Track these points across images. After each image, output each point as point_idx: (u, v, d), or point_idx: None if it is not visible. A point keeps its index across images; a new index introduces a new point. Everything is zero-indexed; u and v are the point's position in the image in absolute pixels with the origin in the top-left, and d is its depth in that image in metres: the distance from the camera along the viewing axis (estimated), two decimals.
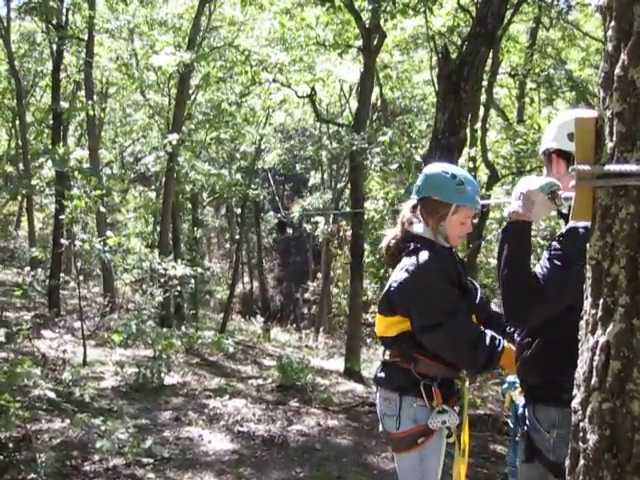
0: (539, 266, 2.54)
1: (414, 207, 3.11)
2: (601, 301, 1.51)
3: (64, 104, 14.79)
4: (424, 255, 2.91)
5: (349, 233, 16.43)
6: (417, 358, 2.94)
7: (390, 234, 3.15)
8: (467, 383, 3.19)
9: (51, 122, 15.66)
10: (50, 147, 13.48)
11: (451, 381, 3.06)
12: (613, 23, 1.49)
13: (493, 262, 15.31)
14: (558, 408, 2.53)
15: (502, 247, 2.60)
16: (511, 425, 2.96)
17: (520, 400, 2.83)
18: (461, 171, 3.09)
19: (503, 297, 2.54)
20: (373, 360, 13.84)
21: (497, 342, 2.89)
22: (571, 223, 2.53)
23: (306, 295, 28.50)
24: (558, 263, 2.51)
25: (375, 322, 3.16)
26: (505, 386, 3.07)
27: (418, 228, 3.04)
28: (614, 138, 1.49)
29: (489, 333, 2.91)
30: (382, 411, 3.09)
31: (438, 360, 2.93)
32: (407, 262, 2.95)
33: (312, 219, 25.55)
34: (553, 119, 2.93)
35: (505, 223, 2.65)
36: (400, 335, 2.98)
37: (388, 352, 3.12)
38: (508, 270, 2.54)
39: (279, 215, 27.61)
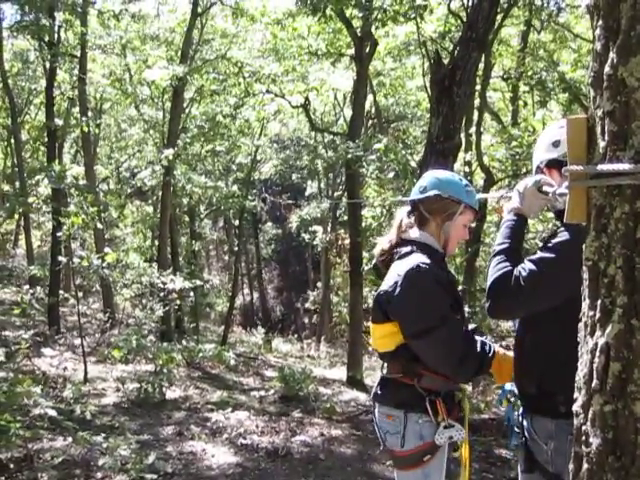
0: (528, 261, 2.54)
1: (410, 213, 3.07)
2: (599, 302, 1.50)
3: (59, 121, 14.83)
4: (418, 258, 2.85)
5: (347, 241, 16.40)
6: (420, 373, 2.85)
7: (384, 240, 3.09)
8: (467, 393, 3.12)
9: (46, 139, 15.67)
10: (46, 164, 13.48)
11: (452, 394, 2.98)
12: (601, 22, 1.48)
13: None
14: (554, 420, 2.52)
15: (497, 240, 2.65)
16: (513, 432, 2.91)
17: (515, 409, 2.80)
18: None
19: (487, 288, 2.54)
20: (375, 368, 13.80)
21: (487, 348, 2.87)
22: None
23: (306, 305, 28.45)
24: (546, 260, 2.51)
25: (371, 333, 3.06)
26: (501, 393, 3.01)
27: (414, 233, 3.00)
28: (606, 137, 1.47)
29: (479, 339, 2.89)
30: (383, 428, 2.98)
31: (442, 373, 2.85)
32: (400, 265, 2.88)
33: (310, 228, 25.57)
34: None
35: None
36: (399, 348, 2.88)
37: (388, 367, 3.01)
38: (494, 260, 2.57)
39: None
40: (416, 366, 2.86)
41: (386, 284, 2.90)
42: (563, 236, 2.54)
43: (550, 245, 2.58)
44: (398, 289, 2.81)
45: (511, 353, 2.89)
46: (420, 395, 2.85)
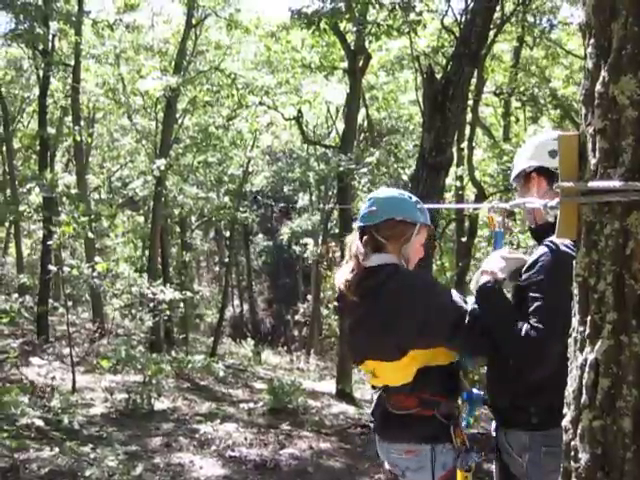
0: (530, 304, 2.43)
1: (361, 239, 2.82)
2: (589, 318, 1.50)
3: (51, 130, 14.82)
4: (409, 275, 2.73)
5: (338, 254, 16.40)
6: (437, 401, 2.69)
7: (345, 272, 2.78)
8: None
9: (38, 148, 15.64)
10: (37, 173, 13.46)
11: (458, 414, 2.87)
12: (592, 40, 1.49)
13: None
14: (528, 432, 2.52)
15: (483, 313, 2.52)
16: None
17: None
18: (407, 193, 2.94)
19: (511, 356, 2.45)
20: (365, 381, 13.77)
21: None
22: (543, 246, 2.52)
23: (296, 317, 28.42)
24: (543, 294, 2.42)
25: (373, 373, 2.80)
26: (467, 414, 2.94)
27: (377, 258, 2.75)
28: (597, 154, 1.48)
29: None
30: (401, 465, 2.77)
31: (449, 397, 2.74)
32: (393, 292, 2.66)
33: (301, 241, 25.59)
34: (526, 142, 2.91)
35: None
36: (418, 377, 2.67)
37: (397, 403, 2.75)
38: (498, 330, 2.46)
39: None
40: (434, 394, 2.70)
41: (388, 319, 2.66)
42: (545, 259, 2.47)
43: (537, 271, 2.48)
44: (413, 311, 2.61)
45: None
46: (442, 424, 2.70)
